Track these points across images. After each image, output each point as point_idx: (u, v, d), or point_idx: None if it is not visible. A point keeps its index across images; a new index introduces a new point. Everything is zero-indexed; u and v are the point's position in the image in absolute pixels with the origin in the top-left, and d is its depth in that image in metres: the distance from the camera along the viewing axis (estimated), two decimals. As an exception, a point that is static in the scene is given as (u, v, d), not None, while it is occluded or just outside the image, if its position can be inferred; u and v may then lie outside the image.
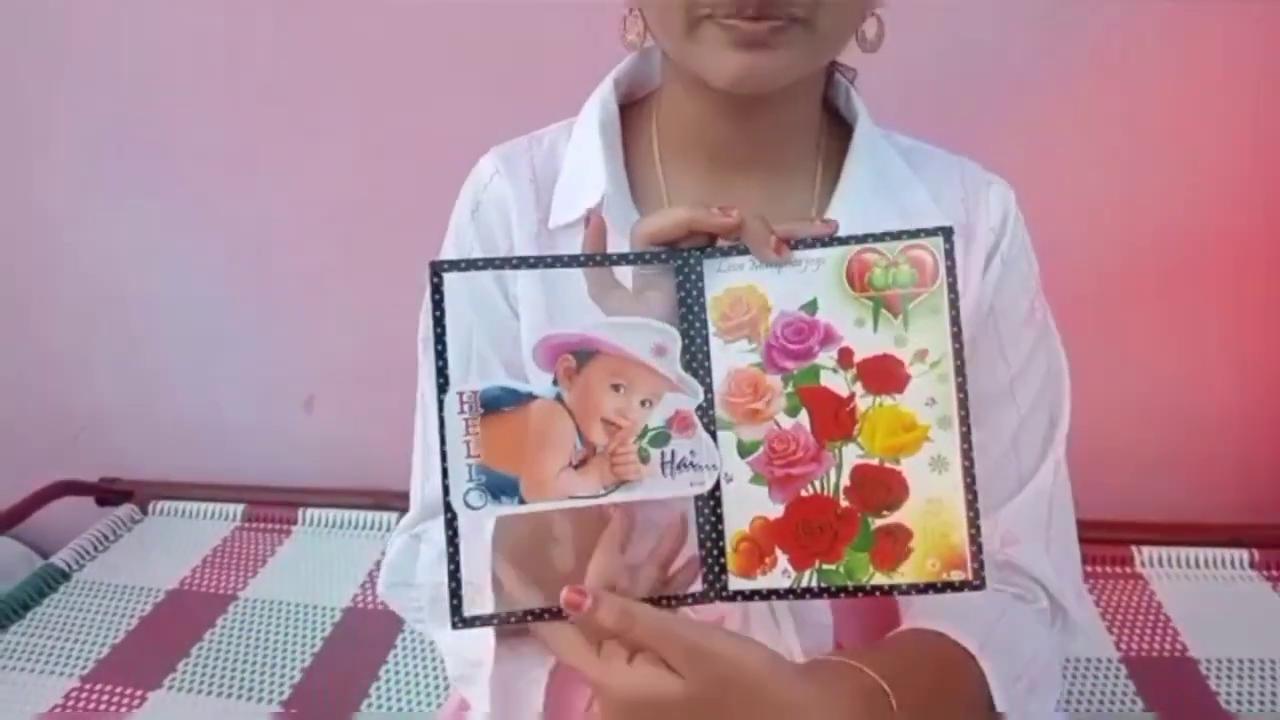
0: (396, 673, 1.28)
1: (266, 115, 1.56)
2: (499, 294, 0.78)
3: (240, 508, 1.64)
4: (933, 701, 0.64)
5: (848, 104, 0.79)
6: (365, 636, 1.35)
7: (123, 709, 1.21)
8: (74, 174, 1.64)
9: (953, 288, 0.57)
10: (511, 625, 0.58)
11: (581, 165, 0.77)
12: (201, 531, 1.61)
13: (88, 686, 1.25)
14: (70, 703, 1.22)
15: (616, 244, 0.63)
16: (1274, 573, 1.40)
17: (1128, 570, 1.42)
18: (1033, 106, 1.38)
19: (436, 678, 1.26)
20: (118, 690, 1.24)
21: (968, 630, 0.69)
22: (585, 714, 0.73)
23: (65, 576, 1.48)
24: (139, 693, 1.24)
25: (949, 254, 0.57)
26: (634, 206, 0.76)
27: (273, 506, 1.64)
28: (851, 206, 0.74)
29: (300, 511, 1.62)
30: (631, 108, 0.81)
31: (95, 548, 1.55)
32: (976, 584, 0.56)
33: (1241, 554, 1.41)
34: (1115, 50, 1.35)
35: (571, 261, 0.61)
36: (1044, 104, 1.38)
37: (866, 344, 0.57)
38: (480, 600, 0.58)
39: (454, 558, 0.55)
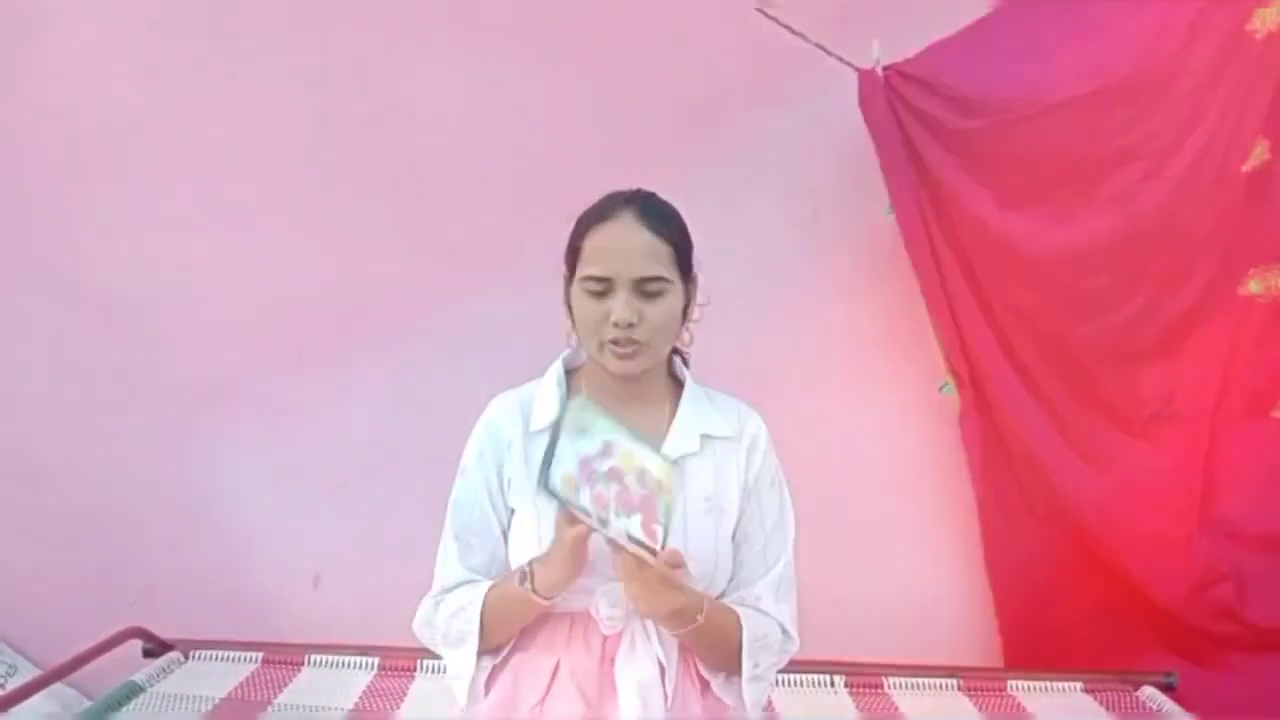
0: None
1: (303, 378, 2.33)
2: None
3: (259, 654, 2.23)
4: (716, 628, 1.38)
5: (680, 371, 1.59)
6: None
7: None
8: (175, 423, 2.37)
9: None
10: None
11: (545, 400, 1.53)
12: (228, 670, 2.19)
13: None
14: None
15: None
16: (973, 692, 2.16)
17: (879, 691, 2.16)
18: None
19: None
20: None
21: (743, 613, 1.43)
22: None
23: (141, 690, 2.04)
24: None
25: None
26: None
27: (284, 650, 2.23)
28: (685, 421, 1.51)
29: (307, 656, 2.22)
30: (571, 372, 1.59)
31: (159, 675, 2.12)
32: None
33: (953, 680, 2.19)
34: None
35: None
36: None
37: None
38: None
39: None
